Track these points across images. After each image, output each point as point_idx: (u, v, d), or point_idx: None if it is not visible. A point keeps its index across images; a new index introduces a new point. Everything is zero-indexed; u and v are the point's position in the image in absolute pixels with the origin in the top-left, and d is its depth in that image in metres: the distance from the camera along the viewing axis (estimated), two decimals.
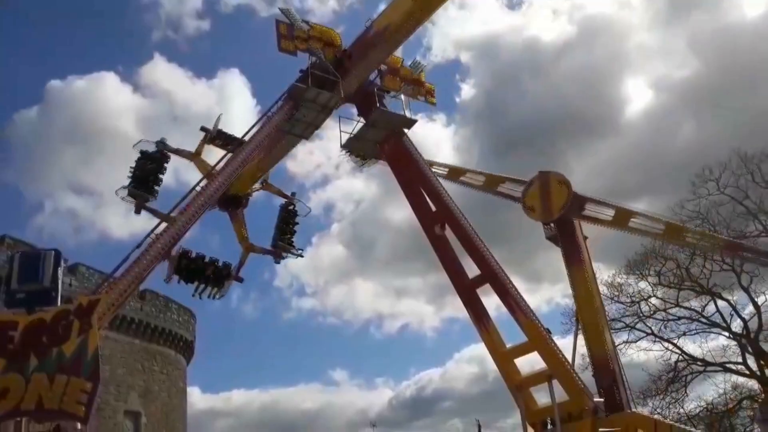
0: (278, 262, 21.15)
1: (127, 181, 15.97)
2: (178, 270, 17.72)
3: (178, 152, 17.05)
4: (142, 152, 16.32)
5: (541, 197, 22.63)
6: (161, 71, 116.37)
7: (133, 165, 16.20)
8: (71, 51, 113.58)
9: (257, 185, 20.74)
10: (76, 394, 10.02)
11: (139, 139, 16.76)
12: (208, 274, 18.53)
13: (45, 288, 11.20)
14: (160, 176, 16.40)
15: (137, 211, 16.03)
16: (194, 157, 17.30)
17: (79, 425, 10.49)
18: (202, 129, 17.60)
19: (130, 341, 37.14)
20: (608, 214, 22.61)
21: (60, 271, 11.55)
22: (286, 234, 20.62)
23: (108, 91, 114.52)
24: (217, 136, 17.69)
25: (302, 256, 21.74)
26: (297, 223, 20.96)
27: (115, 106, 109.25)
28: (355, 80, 18.99)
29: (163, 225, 15.05)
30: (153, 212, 15.78)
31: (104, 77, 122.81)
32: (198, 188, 15.76)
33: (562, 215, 22.26)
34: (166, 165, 16.57)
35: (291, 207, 20.80)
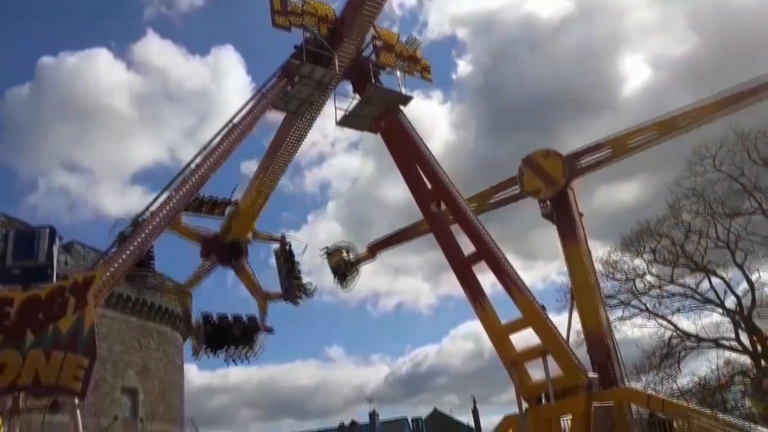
0: (297, 304, 20.37)
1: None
2: (207, 339, 17.39)
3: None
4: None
5: (539, 177, 22.63)
6: (155, 48, 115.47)
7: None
8: (63, 27, 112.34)
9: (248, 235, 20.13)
10: (72, 369, 10.06)
11: (117, 219, 16.34)
12: (235, 333, 18.12)
13: (40, 264, 11.19)
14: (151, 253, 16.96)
15: (139, 293, 16.71)
16: (175, 225, 17.83)
17: (76, 400, 10.52)
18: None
19: (127, 319, 37.26)
20: (606, 151, 22.47)
21: (55, 248, 11.53)
22: (292, 273, 20.06)
23: (101, 68, 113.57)
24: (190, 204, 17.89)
25: (313, 295, 21.06)
26: (298, 262, 20.52)
27: (109, 83, 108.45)
28: (350, 46, 18.73)
29: (159, 202, 14.95)
30: (156, 288, 16.46)
31: (97, 54, 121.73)
32: (192, 165, 15.63)
33: (567, 178, 22.29)
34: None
35: (286, 248, 20.37)
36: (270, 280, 19.92)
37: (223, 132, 16.34)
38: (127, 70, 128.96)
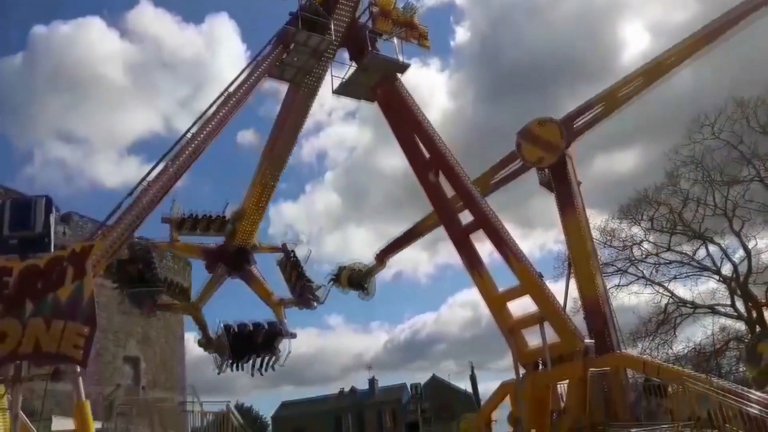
0: (313, 308, 19.82)
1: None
2: (231, 348, 16.77)
3: (157, 246, 17.26)
4: (120, 262, 16.29)
5: (537, 146, 22.53)
6: (148, 16, 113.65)
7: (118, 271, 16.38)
8: None
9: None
10: (73, 338, 10.12)
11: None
12: (257, 341, 17.37)
13: (37, 234, 11.16)
14: (154, 270, 16.70)
15: (149, 314, 16.44)
16: (172, 245, 17.66)
17: (77, 368, 10.62)
18: (164, 220, 17.66)
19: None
20: (599, 108, 22.45)
21: (52, 218, 11.48)
22: (302, 280, 19.40)
23: (94, 37, 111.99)
24: (182, 223, 17.75)
25: (322, 302, 20.47)
26: (303, 266, 19.81)
27: (102, 52, 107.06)
28: (345, 12, 18.43)
29: (155, 172, 14.88)
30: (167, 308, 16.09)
31: (90, 22, 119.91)
32: (188, 134, 15.53)
33: (567, 141, 22.26)
34: (153, 260, 16.84)
35: (291, 257, 19.60)
36: (278, 286, 19.34)
37: (219, 101, 16.19)
38: (121, 39, 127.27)
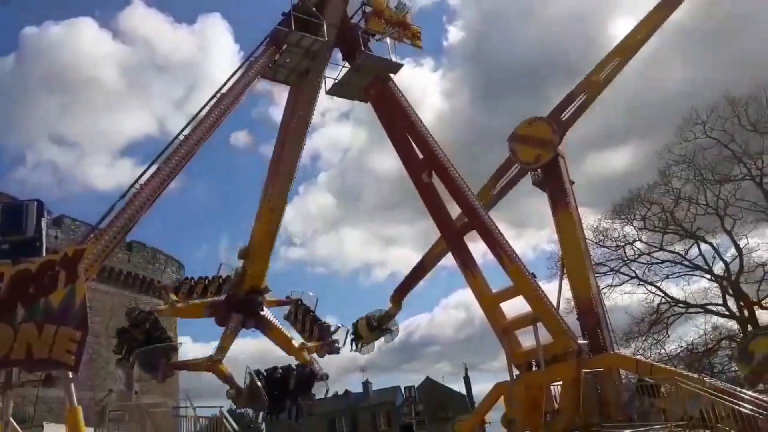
0: (338, 353, 19.23)
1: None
2: (267, 396, 15.88)
3: (160, 312, 16.76)
4: (124, 330, 16.06)
5: (532, 146, 22.73)
6: (140, 17, 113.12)
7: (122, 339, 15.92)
8: None
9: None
10: (65, 343, 10.04)
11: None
12: (291, 387, 16.70)
13: (29, 238, 11.09)
14: (161, 328, 16.31)
15: (164, 377, 15.84)
16: (175, 310, 17.04)
17: (70, 374, 10.53)
18: (160, 288, 17.43)
19: (120, 292, 37.28)
20: (582, 96, 23.03)
21: (43, 222, 11.42)
22: (317, 324, 18.97)
23: (86, 38, 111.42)
24: (179, 288, 17.44)
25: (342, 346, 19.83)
26: (314, 311, 19.41)
27: (94, 53, 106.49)
28: (336, 10, 18.46)
29: (148, 174, 14.79)
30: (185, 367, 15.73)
31: (81, 23, 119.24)
32: (181, 136, 15.45)
33: (559, 134, 22.62)
34: (158, 320, 16.41)
35: (300, 305, 19.20)
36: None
37: (212, 102, 16.13)
38: (113, 40, 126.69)
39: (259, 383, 16.16)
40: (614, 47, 23.16)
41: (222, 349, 16.93)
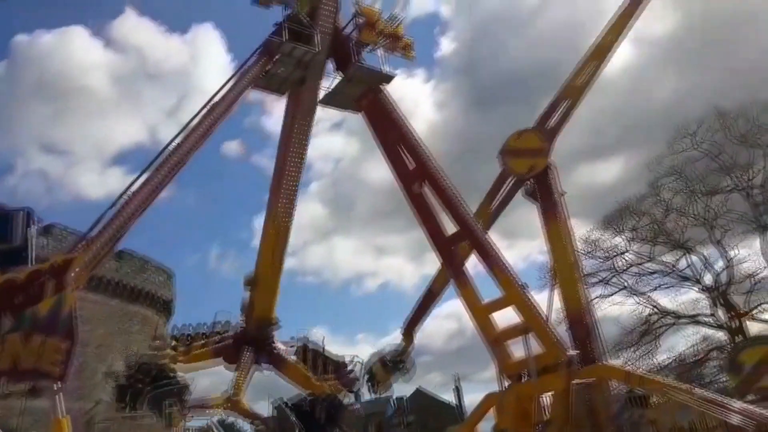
0: (356, 388, 19.13)
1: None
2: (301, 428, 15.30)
3: (165, 360, 16.18)
4: (129, 375, 15.64)
5: (523, 158, 22.95)
6: (133, 25, 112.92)
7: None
8: (38, 4, 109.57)
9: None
10: (51, 354, 9.93)
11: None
12: (319, 417, 16.19)
13: (16, 247, 11.01)
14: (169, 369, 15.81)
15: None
16: (180, 359, 16.41)
17: (56, 385, 10.40)
18: (155, 346, 16.80)
19: (108, 302, 36.94)
20: (566, 102, 23.56)
21: (32, 231, 11.33)
22: (329, 361, 18.59)
23: (78, 47, 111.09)
24: (177, 344, 17.00)
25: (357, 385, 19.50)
26: (323, 350, 18.98)
27: (86, 61, 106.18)
28: (328, 19, 18.43)
29: (138, 183, 14.71)
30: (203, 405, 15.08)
31: (73, 31, 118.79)
32: (172, 145, 15.42)
33: (548, 140, 23.00)
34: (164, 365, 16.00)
35: (308, 348, 18.71)
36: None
37: (203, 112, 16.13)
38: (105, 49, 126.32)
39: (292, 416, 15.76)
40: (589, 52, 23.77)
41: (238, 387, 16.31)
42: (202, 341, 17.27)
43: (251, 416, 16.18)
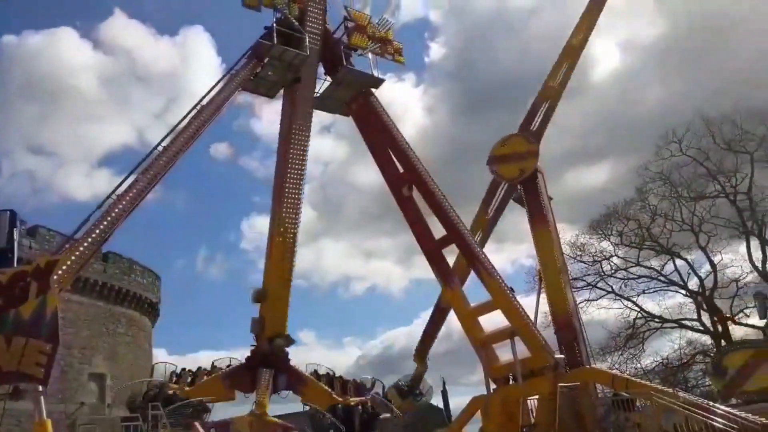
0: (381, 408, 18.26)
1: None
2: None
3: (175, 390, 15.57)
4: (145, 395, 15.28)
5: (513, 163, 23.16)
6: (122, 28, 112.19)
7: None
8: (25, 5, 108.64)
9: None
10: (34, 356, 9.82)
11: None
12: (356, 422, 15.69)
13: (0, 249, 10.90)
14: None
15: None
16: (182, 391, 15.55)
17: (39, 387, 10.31)
18: (144, 400, 15.82)
19: (94, 303, 36.65)
20: (545, 104, 24.10)
21: (16, 232, 11.24)
22: (350, 383, 17.82)
23: (66, 48, 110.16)
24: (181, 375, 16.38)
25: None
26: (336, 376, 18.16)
27: (74, 63, 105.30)
28: (317, 21, 18.44)
29: (126, 185, 14.63)
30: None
31: (62, 33, 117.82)
32: (159, 148, 15.35)
33: (535, 141, 23.40)
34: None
35: (318, 375, 17.63)
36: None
37: (191, 114, 16.07)
38: (94, 50, 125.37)
39: (329, 417, 15.22)
40: (561, 53, 24.40)
41: (261, 403, 15.33)
42: (207, 370, 16.44)
43: (284, 428, 15.37)
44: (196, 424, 14.32)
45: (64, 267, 11.98)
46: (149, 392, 15.55)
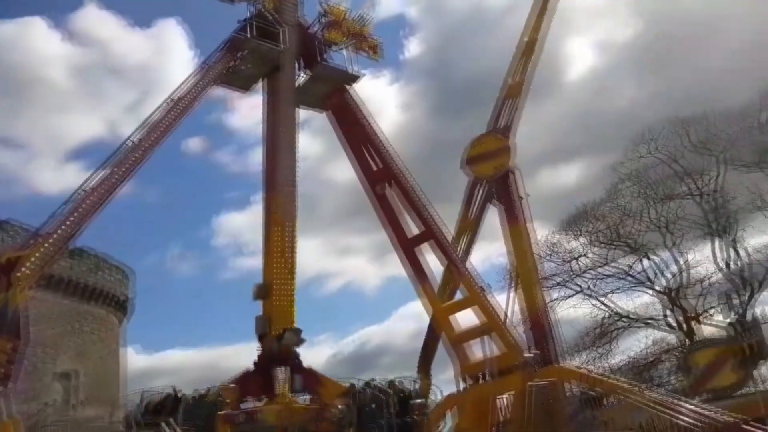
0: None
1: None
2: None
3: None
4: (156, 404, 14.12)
5: (489, 162, 23.41)
6: (93, 18, 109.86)
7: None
8: None
9: None
10: None
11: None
12: (391, 409, 14.44)
13: None
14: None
15: None
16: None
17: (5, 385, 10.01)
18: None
19: (59, 301, 35.75)
20: (511, 101, 25.09)
21: None
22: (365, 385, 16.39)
23: (35, 38, 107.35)
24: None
25: None
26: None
27: (44, 54, 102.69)
28: (291, 15, 18.28)
29: (95, 179, 14.28)
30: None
31: (31, 22, 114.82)
32: (129, 142, 15.05)
33: (508, 137, 24.22)
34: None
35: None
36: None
37: (163, 107, 15.79)
38: (64, 41, 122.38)
39: (368, 392, 14.29)
40: (516, 50, 25.40)
41: (284, 394, 14.74)
42: (207, 387, 15.29)
43: (315, 411, 14.43)
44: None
45: (28, 263, 11.64)
46: (164, 399, 14.35)
